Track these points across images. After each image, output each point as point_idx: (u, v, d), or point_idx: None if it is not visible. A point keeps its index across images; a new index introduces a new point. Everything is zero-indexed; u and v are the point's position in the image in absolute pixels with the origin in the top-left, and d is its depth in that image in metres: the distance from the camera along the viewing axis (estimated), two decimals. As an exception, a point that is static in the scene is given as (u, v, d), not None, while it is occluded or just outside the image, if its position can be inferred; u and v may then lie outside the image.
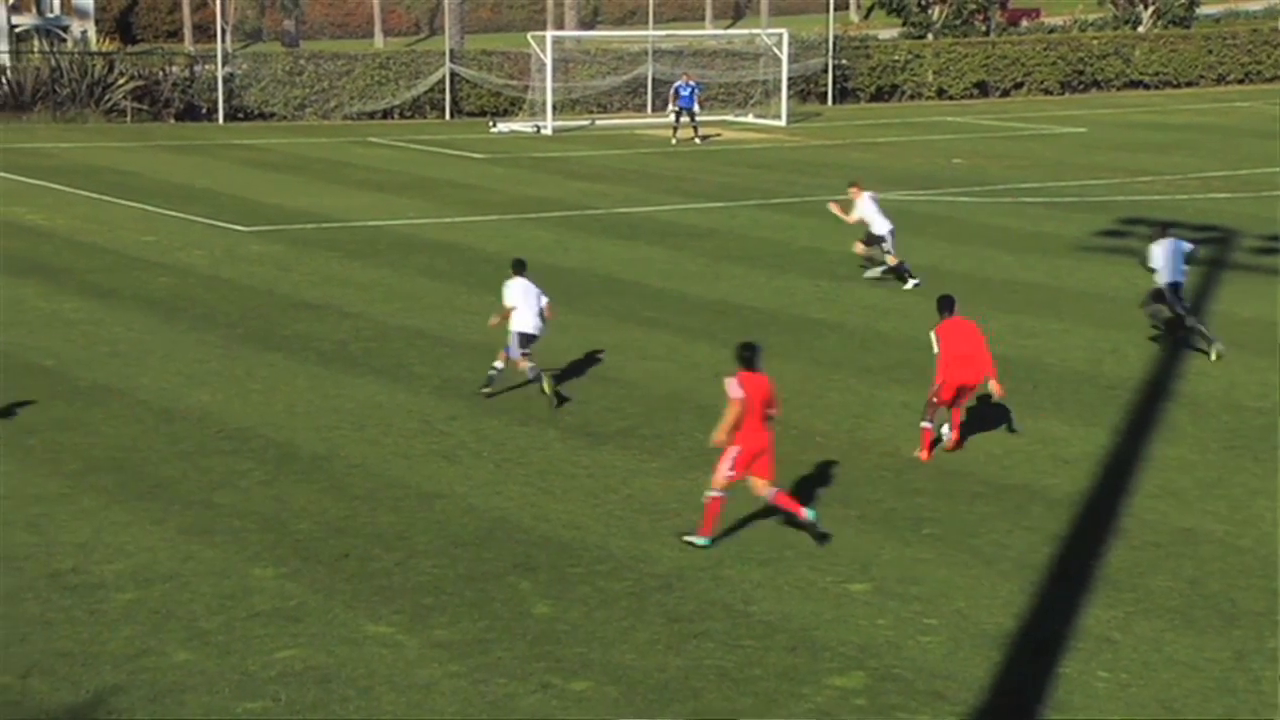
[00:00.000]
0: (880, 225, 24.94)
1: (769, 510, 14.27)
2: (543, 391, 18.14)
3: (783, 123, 51.47)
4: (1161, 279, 20.42)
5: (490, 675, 11.24)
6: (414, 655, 11.55)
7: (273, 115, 51.17)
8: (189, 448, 16.42)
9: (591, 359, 20.43)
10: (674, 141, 46.09)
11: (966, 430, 16.87)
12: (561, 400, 18.06)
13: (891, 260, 25.09)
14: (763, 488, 13.63)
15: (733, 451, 13.50)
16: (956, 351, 16.09)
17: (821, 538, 13.66)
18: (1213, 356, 20.08)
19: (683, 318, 22.85)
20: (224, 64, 51.02)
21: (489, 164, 41.40)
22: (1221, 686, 11.15)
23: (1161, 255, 20.47)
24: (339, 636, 11.84)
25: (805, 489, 15.29)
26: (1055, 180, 37.83)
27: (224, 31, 54.01)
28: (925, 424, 16.23)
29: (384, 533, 14.03)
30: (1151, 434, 17.08)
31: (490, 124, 50.40)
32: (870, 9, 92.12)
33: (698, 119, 46.87)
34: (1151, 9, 66.47)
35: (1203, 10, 71.51)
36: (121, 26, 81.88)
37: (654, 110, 54.26)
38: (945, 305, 16.61)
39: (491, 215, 32.51)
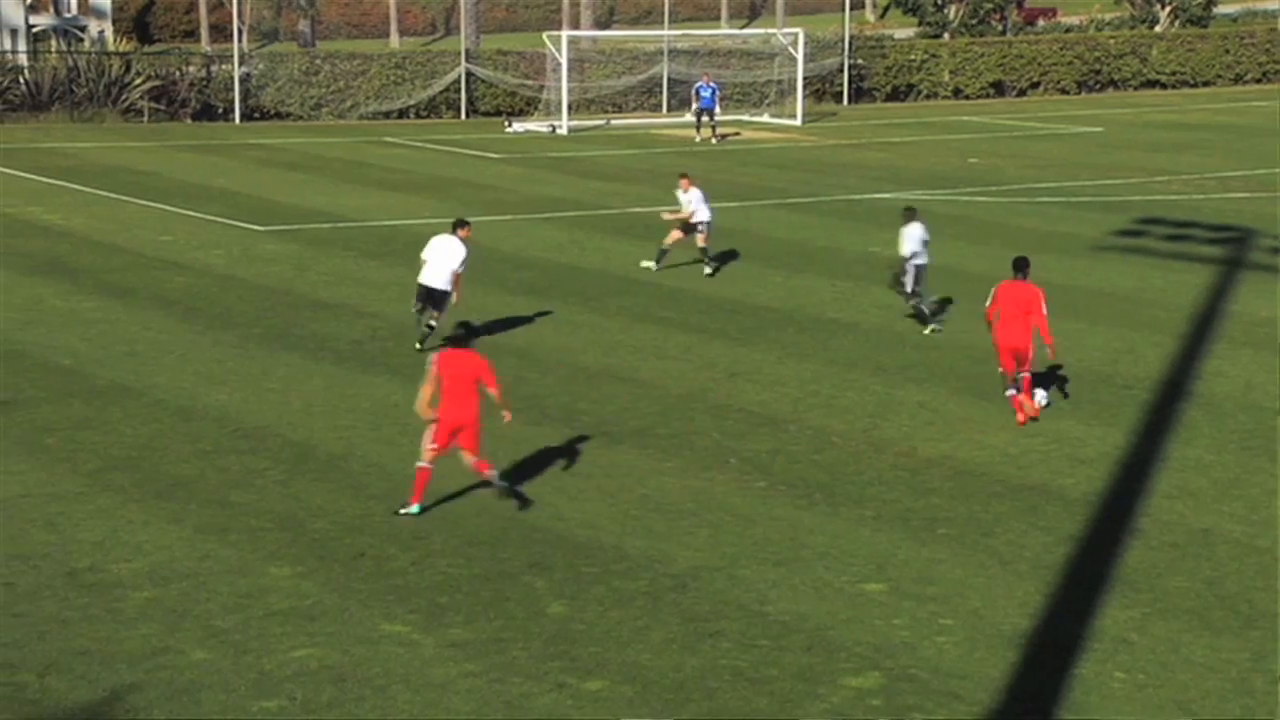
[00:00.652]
0: (702, 214, 25.65)
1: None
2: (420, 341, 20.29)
3: (798, 122, 51.43)
4: (910, 258, 21.78)
5: (506, 674, 11.25)
6: (429, 654, 11.56)
7: (289, 115, 51.26)
8: (206, 447, 16.46)
9: (607, 358, 20.44)
10: (698, 140, 46.16)
11: (995, 423, 16.83)
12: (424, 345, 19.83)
13: (702, 240, 25.87)
14: (468, 458, 14.34)
15: (434, 425, 14.27)
16: (1005, 313, 17.33)
17: (522, 500, 14.53)
18: (926, 332, 21.75)
19: (698, 317, 22.86)
20: (240, 64, 51.12)
21: (504, 164, 41.44)
22: (1239, 688, 11.11)
23: (911, 237, 21.80)
24: (355, 635, 11.87)
25: (820, 488, 15.29)
26: (1072, 180, 37.74)
27: (240, 32, 54.16)
28: (1009, 392, 17.48)
29: (400, 532, 14.05)
30: (1168, 434, 17.03)
31: (506, 124, 50.44)
32: (886, 8, 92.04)
33: (717, 119, 47.02)
34: (1169, 8, 66.28)
35: (1220, 9, 71.28)
36: (138, 26, 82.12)
37: (669, 110, 54.27)
38: (1015, 266, 17.81)
39: (507, 215, 32.54)
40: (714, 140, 46.39)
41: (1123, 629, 12.00)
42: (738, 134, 48.47)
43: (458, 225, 20.85)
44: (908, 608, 12.40)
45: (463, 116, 52.69)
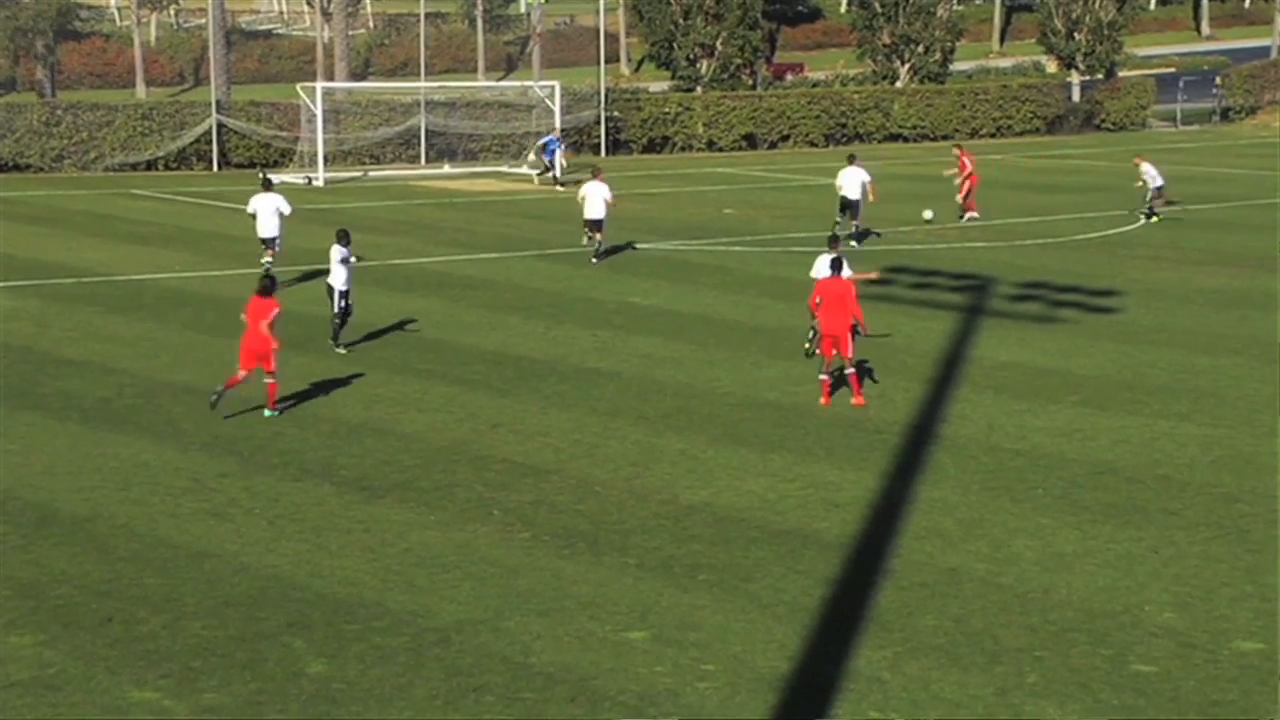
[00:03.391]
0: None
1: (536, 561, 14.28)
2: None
3: (557, 174, 51.74)
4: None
5: (264, 739, 10.95)
6: (183, 721, 11.19)
7: (28, 167, 49.45)
8: (-61, 512, 15.67)
9: (367, 411, 20.18)
10: (560, 189, 46.10)
11: (743, 475, 17.14)
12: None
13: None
14: (267, 379, 19.71)
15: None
16: (826, 302, 20.55)
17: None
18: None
19: (459, 369, 22.76)
20: (-25, 114, 49.17)
21: (259, 215, 40.60)
22: (987, 720, 11.50)
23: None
24: (101, 704, 11.41)
25: (584, 537, 15.33)
26: (822, 230, 38.66)
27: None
28: (822, 376, 20.75)
29: (150, 595, 13.59)
30: (917, 476, 17.59)
31: (260, 175, 49.50)
32: (640, 62, 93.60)
33: (559, 170, 47.25)
34: (908, 65, 68.95)
35: (955, 67, 74.44)
36: None
37: (428, 161, 54.11)
38: (832, 265, 21.22)
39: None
40: (559, 188, 46.25)
41: (876, 668, 12.31)
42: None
43: (268, 184, 29.73)
44: (670, 655, 12.50)
45: (215, 168, 51.58)
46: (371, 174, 51.73)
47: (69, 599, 13.49)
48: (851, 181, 35.75)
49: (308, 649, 12.49)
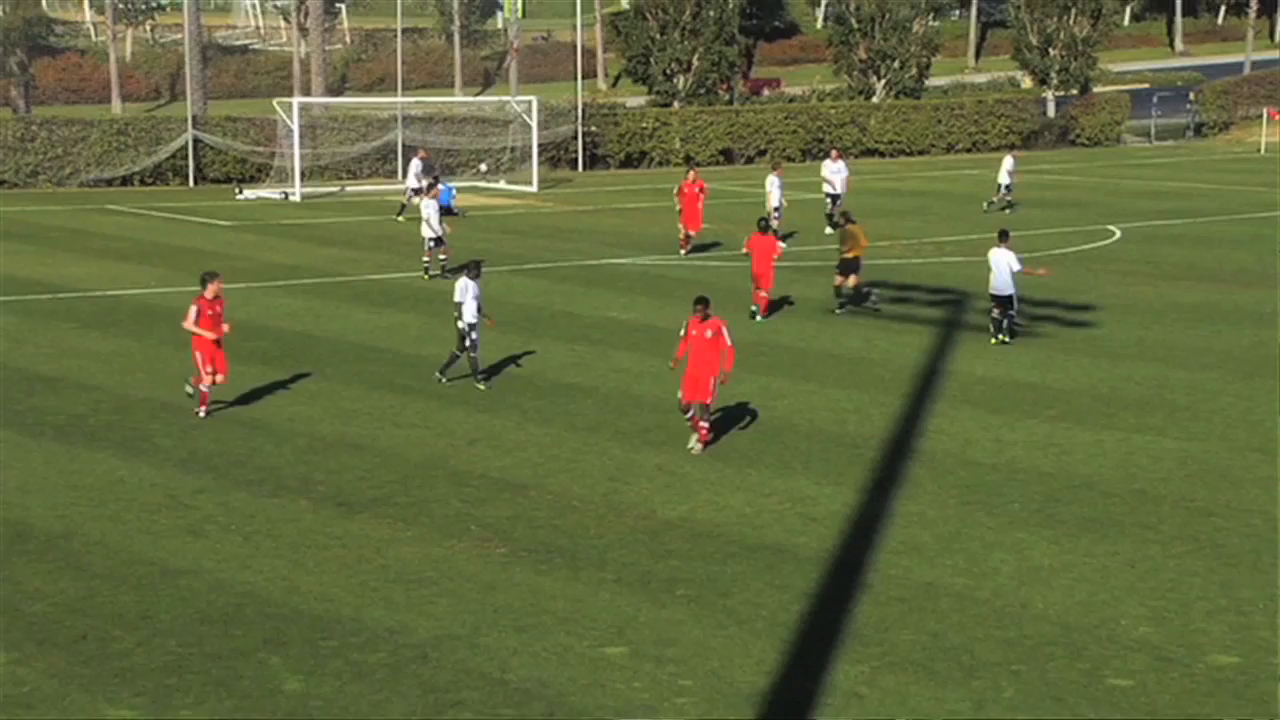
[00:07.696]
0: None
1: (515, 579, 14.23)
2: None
3: (534, 189, 51.82)
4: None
5: (239, 757, 10.89)
6: (158, 739, 11.14)
7: (3, 183, 49.27)
8: (-87, 530, 15.58)
9: (345, 427, 20.13)
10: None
11: (719, 488, 17.15)
12: None
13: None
14: (761, 293, 25.64)
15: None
16: (694, 347, 18.95)
17: None
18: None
19: (436, 384, 22.71)
20: (-50, 128, 48.98)
21: (236, 231, 40.57)
22: (964, 734, 11.51)
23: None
24: (77, 723, 11.34)
25: (561, 553, 15.31)
26: (800, 245, 38.90)
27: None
28: (687, 416, 19.17)
29: (125, 612, 13.52)
30: (894, 490, 17.62)
31: (236, 191, 49.45)
32: (618, 77, 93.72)
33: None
34: (884, 80, 69.18)
35: (931, 82, 74.71)
36: None
37: (404, 177, 54.01)
38: (698, 301, 19.31)
39: (240, 284, 31.81)
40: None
41: (853, 683, 12.31)
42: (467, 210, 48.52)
43: (433, 186, 34.55)
44: (648, 670, 12.49)
45: (191, 183, 51.46)
46: (348, 189, 51.67)
47: (43, 616, 13.41)
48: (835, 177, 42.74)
49: (284, 666, 12.43)
